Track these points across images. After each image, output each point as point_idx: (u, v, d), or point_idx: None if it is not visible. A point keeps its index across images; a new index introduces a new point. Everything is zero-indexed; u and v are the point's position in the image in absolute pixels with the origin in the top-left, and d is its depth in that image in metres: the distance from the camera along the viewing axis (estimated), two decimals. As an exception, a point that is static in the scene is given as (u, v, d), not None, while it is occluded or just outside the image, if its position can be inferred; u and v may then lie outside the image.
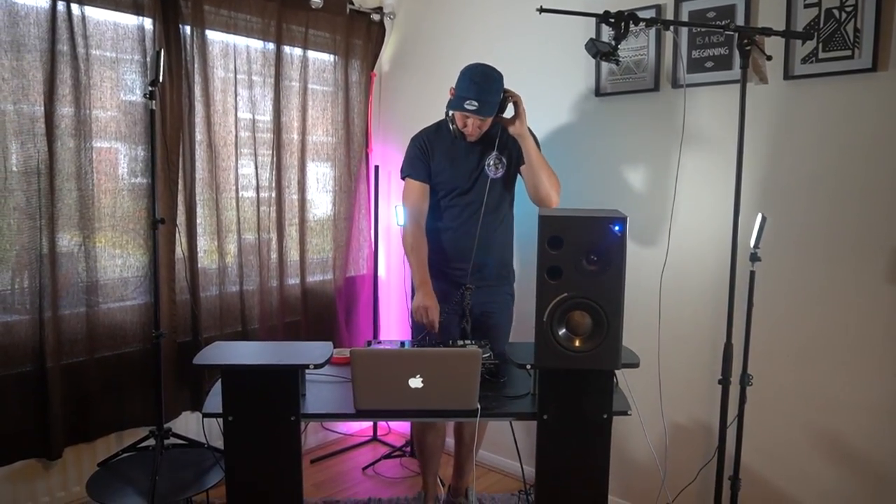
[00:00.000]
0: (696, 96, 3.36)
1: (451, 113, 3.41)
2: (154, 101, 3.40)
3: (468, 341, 3.14)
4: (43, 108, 3.31)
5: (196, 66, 3.85)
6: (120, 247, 3.63)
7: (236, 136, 4.08)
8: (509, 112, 3.35)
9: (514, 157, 3.49)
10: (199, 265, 3.96)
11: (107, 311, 3.63)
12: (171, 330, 3.84)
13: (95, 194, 3.54)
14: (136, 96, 3.61)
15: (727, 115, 3.28)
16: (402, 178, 3.57)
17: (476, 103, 3.21)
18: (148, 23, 3.61)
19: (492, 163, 3.44)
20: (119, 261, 3.64)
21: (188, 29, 3.79)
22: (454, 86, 3.32)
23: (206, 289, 4.02)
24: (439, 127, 3.57)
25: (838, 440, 3.09)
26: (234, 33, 4.01)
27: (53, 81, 3.33)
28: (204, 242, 3.99)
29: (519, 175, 3.55)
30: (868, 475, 3.03)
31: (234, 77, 4.05)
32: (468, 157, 3.48)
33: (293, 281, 4.48)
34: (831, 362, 3.09)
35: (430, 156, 3.50)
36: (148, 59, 3.62)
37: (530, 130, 3.41)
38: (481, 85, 3.23)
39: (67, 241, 3.45)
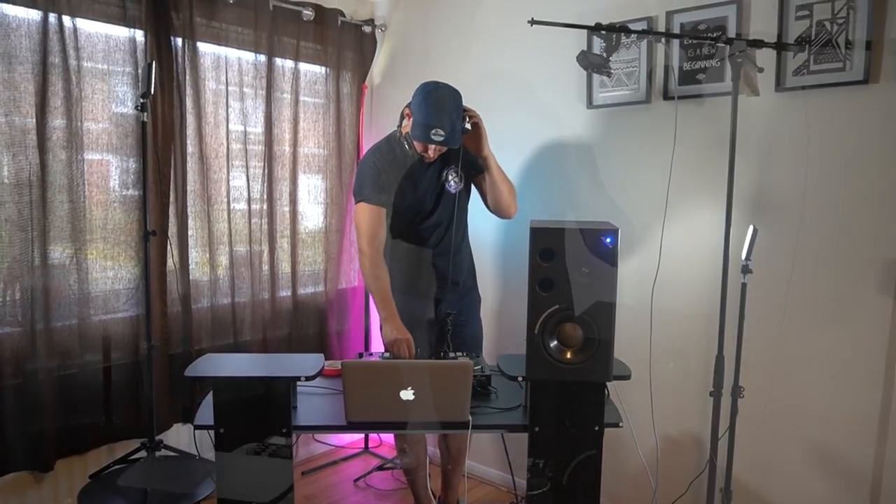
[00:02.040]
0: (687, 108, 3.37)
1: (399, 133, 3.34)
2: (146, 113, 3.40)
3: (459, 354, 3.14)
4: (34, 120, 3.30)
5: (188, 78, 3.84)
6: (112, 259, 3.63)
7: (228, 148, 4.07)
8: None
9: (468, 167, 3.41)
10: (191, 277, 3.95)
11: (98, 322, 3.61)
12: (163, 342, 3.82)
13: (87, 206, 3.53)
14: (128, 108, 3.61)
15: (719, 126, 3.29)
16: (358, 202, 3.33)
17: (443, 133, 3.09)
18: (139, 35, 3.61)
19: (451, 177, 3.38)
20: (111, 273, 3.64)
21: (179, 41, 3.79)
22: (409, 108, 3.22)
23: (197, 301, 4.01)
24: (391, 147, 3.39)
25: (830, 452, 3.09)
26: (226, 45, 4.02)
27: (45, 93, 3.32)
28: (196, 254, 3.98)
29: (473, 185, 3.52)
30: (861, 487, 3.03)
31: (226, 89, 4.04)
32: (427, 176, 3.38)
33: (284, 293, 4.47)
34: (824, 374, 3.09)
35: (388, 179, 3.33)
36: (139, 71, 3.61)
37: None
38: (445, 111, 3.11)
39: (59, 252, 3.44)
